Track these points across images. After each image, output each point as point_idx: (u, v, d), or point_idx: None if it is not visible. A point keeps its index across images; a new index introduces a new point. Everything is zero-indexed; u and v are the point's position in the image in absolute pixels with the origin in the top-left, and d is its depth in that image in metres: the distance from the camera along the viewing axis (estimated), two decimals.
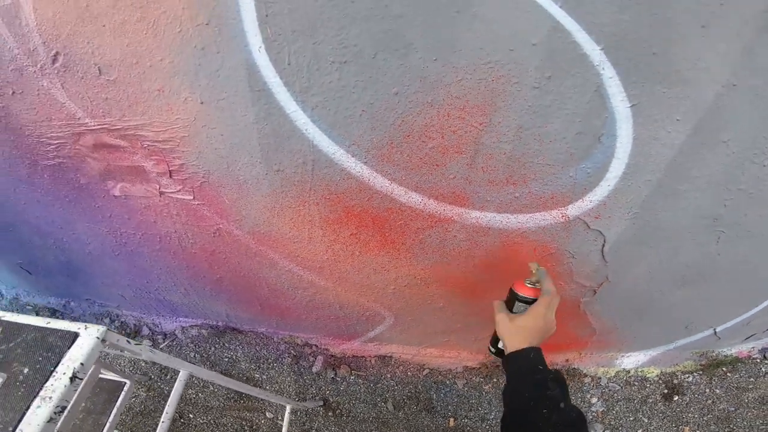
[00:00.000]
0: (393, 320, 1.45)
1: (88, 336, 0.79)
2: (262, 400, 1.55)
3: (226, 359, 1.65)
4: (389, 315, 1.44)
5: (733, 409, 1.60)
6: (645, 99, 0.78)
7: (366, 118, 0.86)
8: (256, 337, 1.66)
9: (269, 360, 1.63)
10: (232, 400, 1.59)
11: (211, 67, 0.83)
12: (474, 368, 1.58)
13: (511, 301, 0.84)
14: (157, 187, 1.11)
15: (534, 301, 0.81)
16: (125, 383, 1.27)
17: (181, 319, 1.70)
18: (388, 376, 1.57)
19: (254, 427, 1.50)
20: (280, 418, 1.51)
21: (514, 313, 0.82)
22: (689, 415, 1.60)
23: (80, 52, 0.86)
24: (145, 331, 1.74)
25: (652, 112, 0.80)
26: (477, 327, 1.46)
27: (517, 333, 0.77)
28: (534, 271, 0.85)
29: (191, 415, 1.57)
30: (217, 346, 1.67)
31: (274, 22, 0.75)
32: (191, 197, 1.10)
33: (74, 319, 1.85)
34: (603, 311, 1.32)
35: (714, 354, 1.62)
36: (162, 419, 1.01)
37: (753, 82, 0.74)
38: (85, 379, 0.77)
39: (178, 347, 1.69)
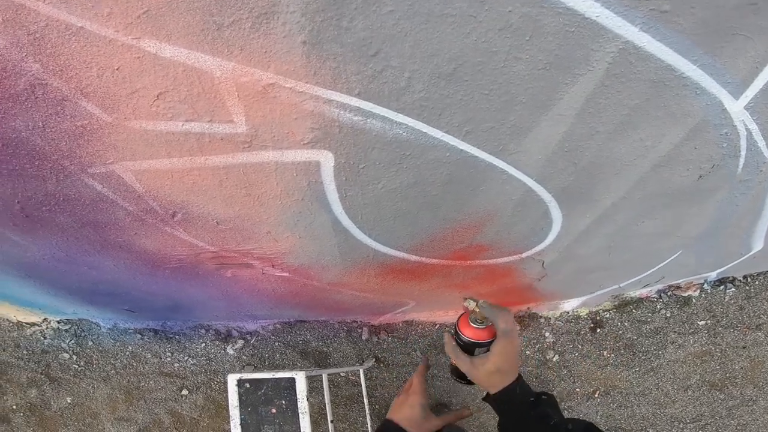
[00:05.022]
0: (415, 303, 1.92)
1: (300, 377, 1.22)
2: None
3: (301, 342, 2.09)
4: (413, 301, 1.90)
5: (635, 337, 2.08)
6: (571, 211, 1.15)
7: (409, 237, 1.18)
8: (318, 323, 2.08)
9: (330, 336, 2.09)
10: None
11: (306, 221, 1.09)
12: None
13: (468, 346, 0.70)
14: (261, 271, 1.40)
15: (491, 342, 0.67)
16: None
17: (260, 321, 2.09)
18: (413, 333, 2.08)
19: (336, 383, 2.03)
20: (351, 375, 2.03)
21: (476, 356, 0.69)
22: (607, 342, 2.09)
23: (197, 212, 1.06)
24: (234, 333, 2.12)
25: (574, 215, 1.17)
26: (456, 294, 1.96)
27: (490, 376, 0.65)
28: (475, 309, 0.68)
29: None
30: (291, 334, 2.10)
31: (351, 200, 1.00)
32: (287, 274, 1.42)
33: (173, 334, 2.18)
34: (547, 287, 1.82)
35: (624, 296, 2.08)
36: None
37: (637, 195, 1.13)
38: (307, 394, 1.25)
39: (263, 340, 2.11)
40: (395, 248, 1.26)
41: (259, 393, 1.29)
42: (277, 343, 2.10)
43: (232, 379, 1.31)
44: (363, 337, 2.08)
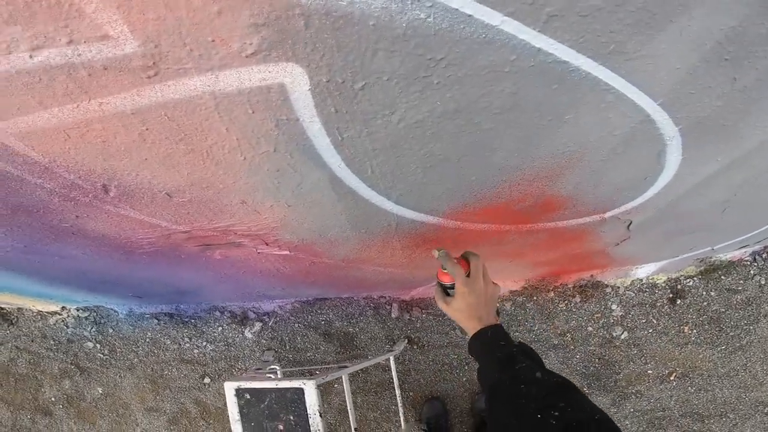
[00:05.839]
0: None
1: (310, 388, 0.97)
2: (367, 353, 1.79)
3: (323, 322, 1.83)
4: None
5: (723, 310, 1.70)
6: (697, 153, 0.73)
7: (445, 197, 0.80)
8: (341, 301, 1.80)
9: (356, 315, 1.80)
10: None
11: (292, 182, 0.74)
12: (518, 291, 1.73)
13: (443, 289, 0.76)
14: (255, 250, 1.08)
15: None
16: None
17: (276, 300, 1.83)
18: None
19: (365, 368, 1.77)
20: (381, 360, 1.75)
21: (450, 296, 0.73)
22: (689, 316, 1.70)
23: (133, 182, 0.73)
24: (251, 315, 1.89)
25: (698, 159, 0.75)
26: (519, 264, 1.56)
27: (460, 315, 0.70)
28: (437, 257, 0.73)
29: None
30: (312, 314, 1.83)
31: (351, 143, 0.64)
32: (287, 252, 1.09)
33: (188, 318, 1.99)
34: (623, 252, 1.38)
35: (712, 259, 1.66)
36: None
37: None
38: (320, 409, 1.00)
39: (282, 321, 1.86)
40: (427, 212, 0.88)
41: (262, 406, 1.01)
42: (297, 325, 1.84)
43: (229, 388, 1.03)
44: (393, 315, 1.77)
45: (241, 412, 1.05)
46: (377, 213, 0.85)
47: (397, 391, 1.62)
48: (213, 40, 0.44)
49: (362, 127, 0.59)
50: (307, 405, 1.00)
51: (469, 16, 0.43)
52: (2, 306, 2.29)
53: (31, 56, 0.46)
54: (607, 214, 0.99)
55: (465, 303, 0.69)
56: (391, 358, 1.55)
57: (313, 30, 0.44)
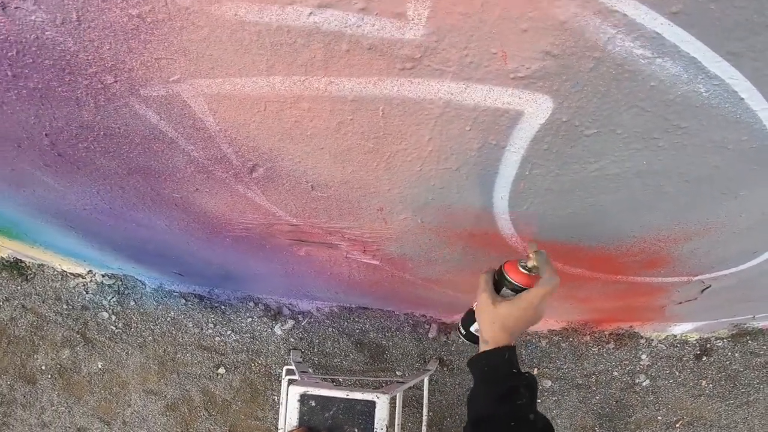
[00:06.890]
0: None
1: (382, 402, 0.92)
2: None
3: (358, 330, 1.78)
4: None
5: (741, 369, 1.77)
6: None
7: (573, 240, 0.80)
8: (381, 312, 1.75)
9: (392, 329, 1.76)
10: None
11: (444, 201, 0.72)
12: (556, 330, 1.74)
13: (500, 282, 0.61)
14: (344, 254, 1.05)
15: (524, 290, 0.59)
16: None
17: (317, 302, 1.78)
18: None
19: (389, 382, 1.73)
20: (407, 374, 1.71)
21: (501, 296, 0.61)
22: (709, 371, 1.77)
23: (287, 168, 0.72)
24: (286, 311, 1.83)
25: None
26: (576, 308, 1.55)
27: (498, 321, 0.57)
28: (532, 256, 0.60)
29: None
30: (348, 320, 1.78)
31: (531, 180, 0.63)
32: (378, 263, 1.06)
33: (218, 303, 1.91)
34: (677, 311, 1.40)
35: (746, 325, 1.74)
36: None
37: None
38: (388, 423, 0.96)
39: (316, 323, 1.80)
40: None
41: (326, 415, 0.96)
42: (330, 329, 1.79)
43: (294, 393, 0.98)
44: (429, 335, 1.74)
45: (301, 419, 0.99)
46: (496, 245, 0.84)
47: (425, 410, 1.57)
48: (496, 53, 0.43)
49: (556, 167, 0.59)
50: (377, 419, 0.96)
51: (741, 99, 0.44)
52: (23, 259, 2.17)
53: (311, 14, 0.42)
54: (696, 278, 1.00)
55: (519, 312, 0.57)
56: (426, 379, 1.51)
57: (595, 74, 0.43)
